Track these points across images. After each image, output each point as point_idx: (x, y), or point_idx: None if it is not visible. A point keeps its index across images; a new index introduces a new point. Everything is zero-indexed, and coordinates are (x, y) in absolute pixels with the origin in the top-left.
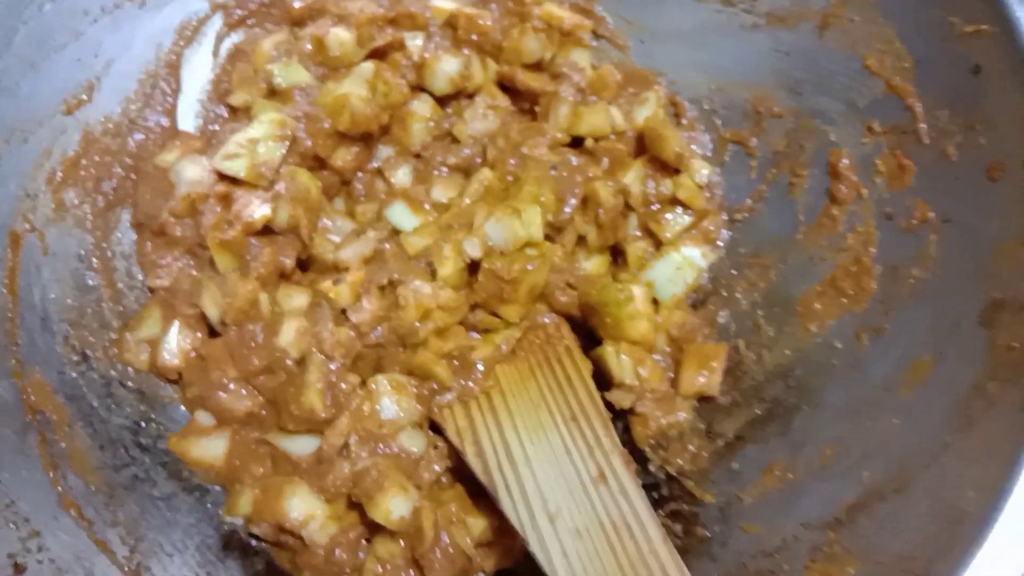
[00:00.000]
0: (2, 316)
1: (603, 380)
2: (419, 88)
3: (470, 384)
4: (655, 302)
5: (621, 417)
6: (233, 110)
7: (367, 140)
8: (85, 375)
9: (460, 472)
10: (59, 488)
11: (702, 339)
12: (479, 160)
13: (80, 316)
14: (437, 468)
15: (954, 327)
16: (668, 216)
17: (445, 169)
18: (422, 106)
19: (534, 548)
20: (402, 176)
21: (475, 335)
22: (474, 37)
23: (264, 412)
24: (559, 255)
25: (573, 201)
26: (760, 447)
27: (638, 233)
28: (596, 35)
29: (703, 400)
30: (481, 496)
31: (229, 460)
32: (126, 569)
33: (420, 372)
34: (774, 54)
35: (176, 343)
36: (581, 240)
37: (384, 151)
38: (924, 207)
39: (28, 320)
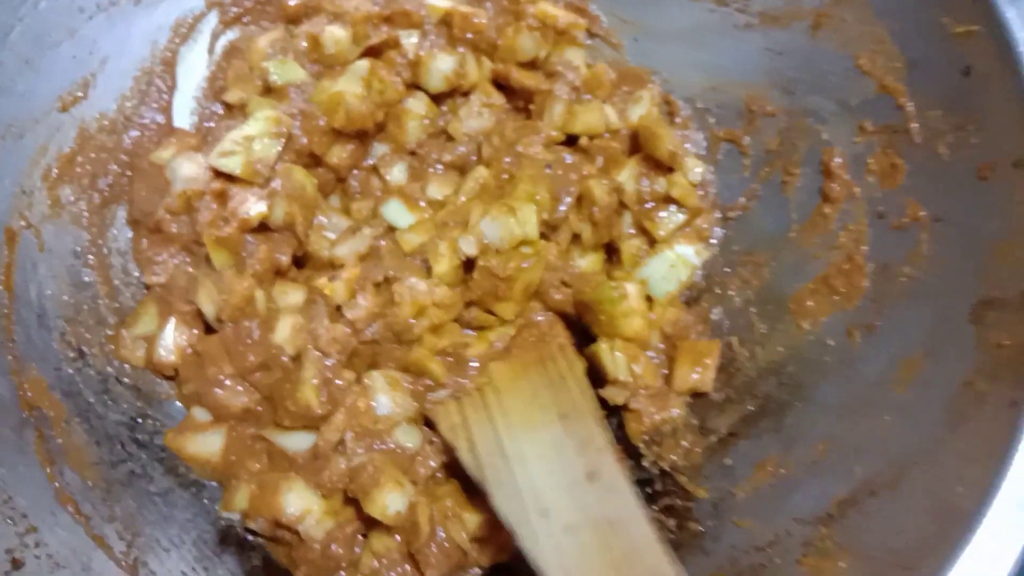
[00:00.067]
0: None
1: (597, 377)
2: (414, 86)
3: (464, 381)
4: (649, 299)
5: (615, 413)
6: (229, 107)
7: (362, 137)
8: (81, 371)
9: (455, 468)
10: (56, 484)
11: (695, 336)
12: (474, 158)
13: (76, 313)
14: (433, 464)
15: (945, 325)
16: (662, 214)
17: (440, 167)
18: (417, 104)
19: (525, 544)
20: (397, 173)
21: (469, 332)
22: (469, 35)
23: (260, 408)
24: (554, 253)
25: (568, 199)
26: (753, 443)
27: (632, 231)
28: (590, 34)
29: (696, 396)
30: (476, 491)
31: (225, 456)
32: (123, 564)
33: (415, 369)
34: (767, 53)
35: (172, 340)
36: (576, 238)
37: (379, 149)
38: (915, 206)
39: (24, 317)
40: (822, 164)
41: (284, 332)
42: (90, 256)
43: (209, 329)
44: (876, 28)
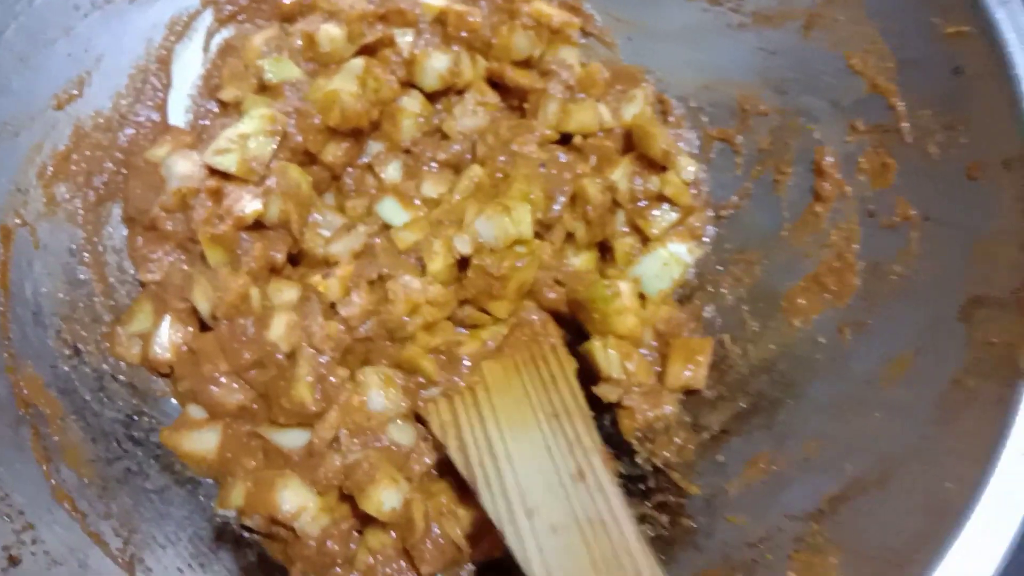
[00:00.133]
0: None
1: (591, 374)
2: (409, 84)
3: (456, 379)
4: (642, 297)
5: (609, 410)
6: (223, 105)
7: (357, 136)
8: (77, 369)
9: (449, 465)
10: (53, 481)
11: (688, 334)
12: (469, 156)
13: (72, 310)
14: (427, 460)
15: (934, 323)
16: (655, 212)
17: (435, 165)
18: (412, 102)
19: (511, 542)
20: (392, 172)
21: (462, 330)
22: (464, 34)
23: (255, 405)
24: (548, 252)
25: (562, 198)
26: (745, 440)
27: (625, 229)
28: (584, 33)
29: (689, 393)
30: (468, 489)
31: (221, 453)
32: (120, 561)
33: (407, 366)
34: (760, 53)
35: (167, 337)
36: (569, 236)
37: (374, 147)
38: (906, 205)
39: (20, 314)
40: (814, 163)
41: (279, 329)
42: (86, 254)
43: (204, 327)
44: (868, 28)
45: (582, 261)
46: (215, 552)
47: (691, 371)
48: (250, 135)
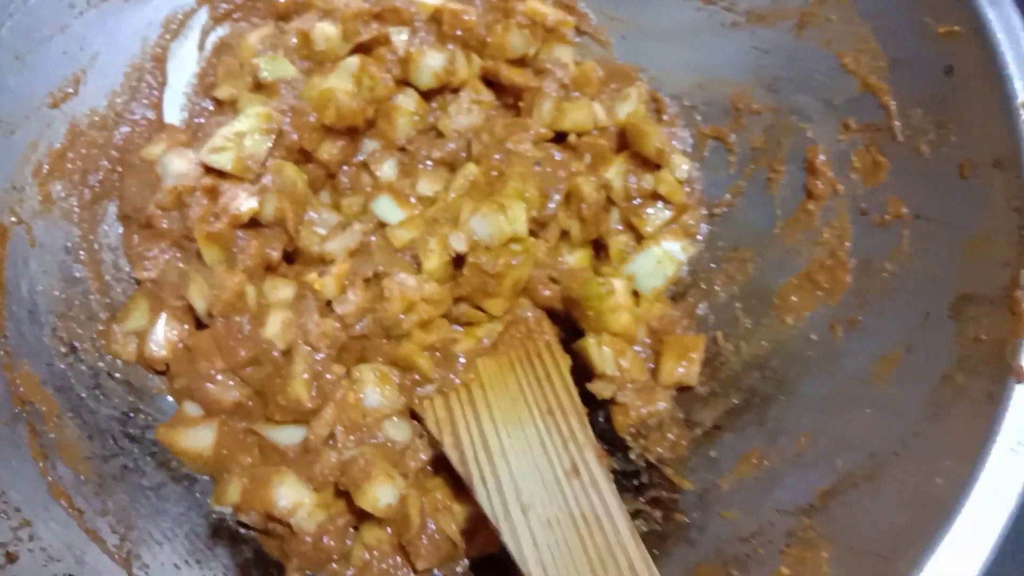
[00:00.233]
0: None
1: (585, 371)
2: (404, 82)
3: (451, 376)
4: (636, 295)
5: (602, 407)
6: (219, 103)
7: (352, 134)
8: (73, 367)
9: (444, 461)
10: (49, 478)
11: (681, 331)
12: (464, 155)
13: (68, 308)
14: (423, 457)
15: (925, 320)
16: (649, 211)
17: (430, 163)
18: (407, 100)
19: (506, 538)
20: (387, 169)
21: (458, 328)
22: (459, 32)
23: (251, 403)
24: (543, 250)
25: (557, 197)
26: (737, 436)
27: (620, 227)
28: (579, 31)
29: (682, 390)
30: (464, 485)
31: (217, 450)
32: (117, 558)
33: (403, 363)
34: (753, 52)
35: (163, 335)
36: (564, 234)
37: (369, 145)
38: (898, 203)
39: (16, 312)
40: (806, 161)
41: (274, 327)
42: (81, 252)
43: (200, 324)
44: (860, 27)
45: (576, 259)
46: (211, 548)
47: (684, 368)
48: (246, 133)
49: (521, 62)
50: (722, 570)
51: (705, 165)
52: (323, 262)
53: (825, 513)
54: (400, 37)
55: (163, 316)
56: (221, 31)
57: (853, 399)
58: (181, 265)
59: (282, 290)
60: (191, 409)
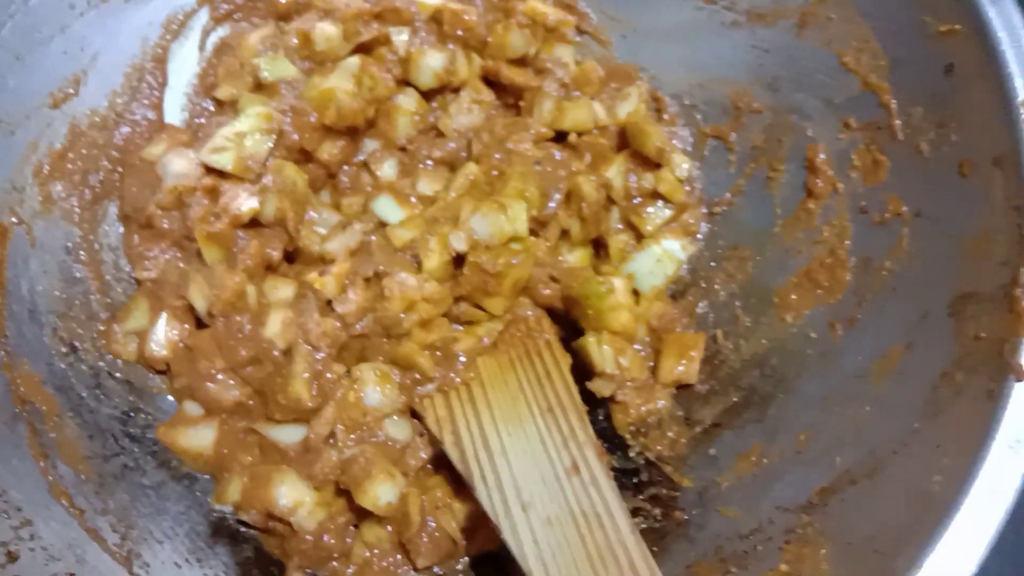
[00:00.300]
0: None
1: (585, 370)
2: (404, 82)
3: (451, 375)
4: (636, 293)
5: (602, 405)
6: (219, 104)
7: (353, 134)
8: (74, 366)
9: (444, 459)
10: (50, 478)
11: (681, 329)
12: (464, 154)
13: (68, 308)
14: (423, 455)
15: (924, 318)
16: (649, 209)
17: (430, 162)
18: (407, 100)
19: (506, 536)
20: (388, 169)
21: (458, 327)
22: (459, 32)
23: (252, 402)
24: (543, 249)
25: (557, 196)
26: (737, 433)
27: (620, 226)
28: (579, 31)
29: (682, 388)
30: (464, 483)
31: (217, 449)
32: (117, 556)
33: (403, 363)
34: (753, 51)
35: (164, 334)
36: (564, 233)
37: (370, 144)
38: (897, 201)
39: (16, 312)
40: (806, 160)
41: (275, 326)
42: (82, 252)
43: (200, 324)
44: (860, 27)
45: (577, 258)
46: (212, 547)
47: (684, 366)
48: (246, 133)
49: (521, 62)
50: (721, 567)
51: (705, 164)
52: (323, 262)
53: (824, 510)
54: (400, 37)
55: (163, 316)
56: (222, 31)
57: (852, 397)
58: (181, 265)
59: (282, 290)
60: (191, 408)
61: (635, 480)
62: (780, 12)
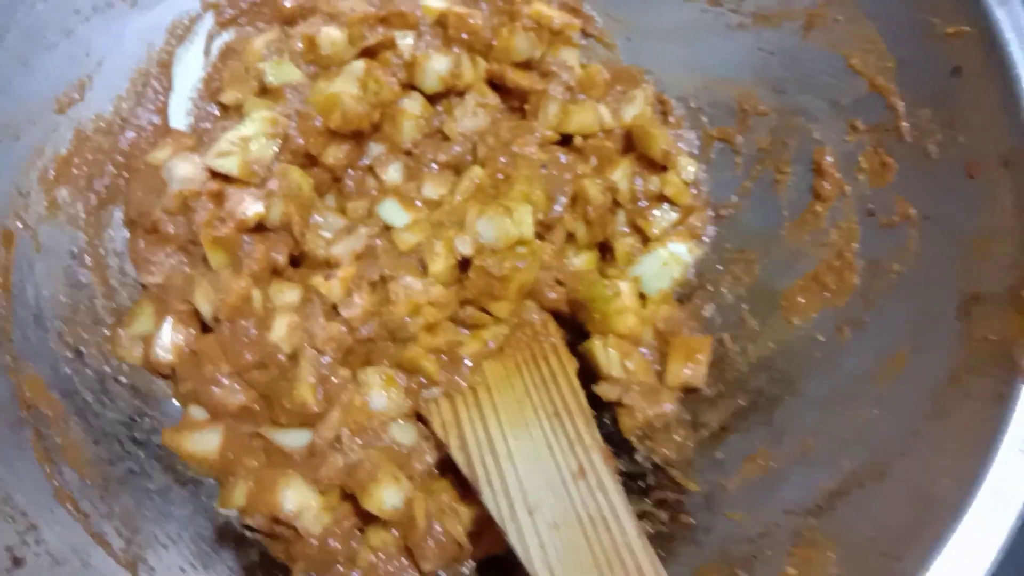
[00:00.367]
0: None
1: (591, 373)
2: (410, 86)
3: (457, 379)
4: (642, 297)
5: (609, 409)
6: (224, 108)
7: (358, 138)
8: (79, 371)
9: (451, 463)
10: (55, 482)
11: (688, 332)
12: (469, 158)
13: (73, 313)
14: (429, 459)
15: (932, 320)
16: (655, 212)
17: (436, 166)
18: (413, 104)
19: (512, 540)
20: (393, 173)
21: (464, 331)
22: (464, 36)
23: (257, 406)
24: (549, 253)
25: (563, 199)
26: (743, 437)
27: (626, 229)
28: (585, 34)
29: (689, 392)
30: (469, 487)
31: (223, 453)
32: (122, 561)
33: (409, 367)
34: (759, 53)
35: (169, 339)
36: (570, 237)
37: (375, 148)
38: (905, 204)
39: (22, 317)
40: (813, 162)
41: (280, 331)
42: (87, 257)
43: (206, 328)
44: (867, 28)
45: (582, 261)
46: (217, 552)
47: (691, 369)
48: (251, 138)
49: (527, 65)
50: (728, 571)
51: (711, 167)
52: (329, 266)
53: (831, 514)
54: (406, 41)
55: (169, 320)
56: (227, 36)
57: (859, 400)
58: (187, 269)
59: (288, 294)
60: (197, 413)
61: (642, 484)
62: (786, 14)
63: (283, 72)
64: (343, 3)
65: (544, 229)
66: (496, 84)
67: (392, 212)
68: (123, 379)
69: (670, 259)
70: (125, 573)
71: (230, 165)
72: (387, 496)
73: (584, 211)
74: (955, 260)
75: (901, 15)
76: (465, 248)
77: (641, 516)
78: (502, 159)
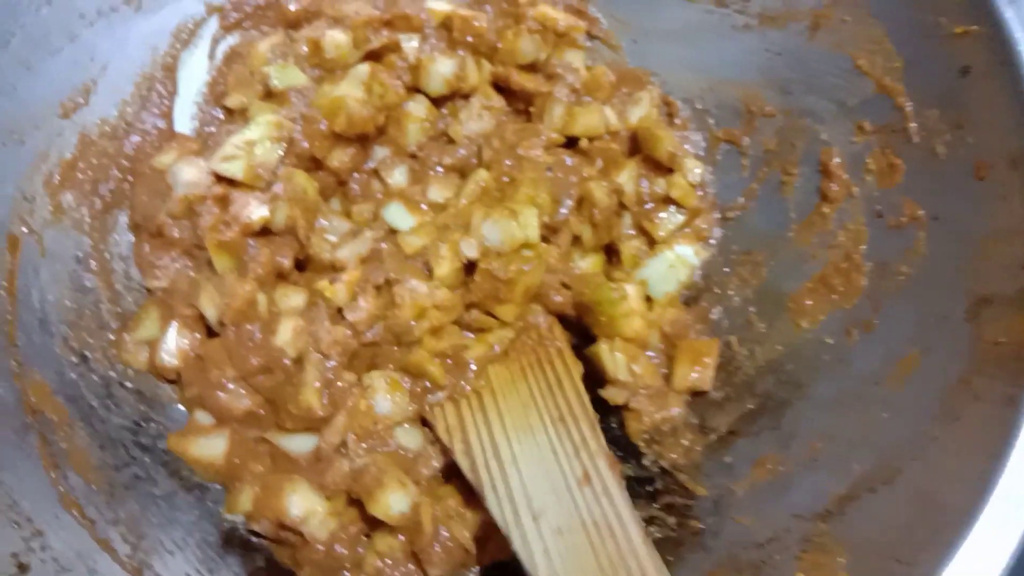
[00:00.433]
0: (1, 318)
1: (597, 377)
2: (415, 89)
3: (462, 383)
4: (648, 300)
5: (615, 412)
6: (229, 112)
7: (363, 141)
8: (84, 376)
9: (457, 468)
10: (60, 488)
11: (695, 335)
12: (475, 160)
13: (79, 317)
14: (435, 464)
15: (941, 322)
16: (662, 215)
17: (441, 169)
18: (418, 107)
19: (517, 546)
20: (398, 176)
21: (469, 335)
22: (469, 38)
23: (263, 411)
24: (554, 256)
25: (568, 202)
26: (752, 440)
27: (632, 232)
28: (590, 36)
29: (696, 395)
30: (475, 492)
31: (229, 459)
32: (128, 567)
33: (414, 370)
34: (766, 54)
35: (174, 343)
36: (576, 240)
37: (380, 152)
38: (913, 205)
39: (27, 322)
40: (820, 164)
41: (286, 335)
42: (92, 261)
43: (211, 333)
44: (874, 29)
45: (588, 264)
46: (223, 557)
47: (698, 373)
48: (256, 141)
49: (532, 67)
50: None
51: (718, 168)
52: (334, 269)
53: (841, 518)
54: (410, 44)
55: (174, 325)
56: (231, 40)
57: (868, 403)
58: (192, 274)
59: (293, 298)
60: (202, 418)
61: (649, 488)
62: (792, 15)
63: (288, 76)
64: (347, 6)
65: (550, 232)
66: (501, 87)
67: (397, 215)
68: (128, 384)
69: (677, 262)
70: None
71: (235, 169)
72: (394, 501)
73: (590, 214)
74: (964, 262)
75: (908, 15)
76: (471, 251)
77: (649, 521)
78: (507, 162)
